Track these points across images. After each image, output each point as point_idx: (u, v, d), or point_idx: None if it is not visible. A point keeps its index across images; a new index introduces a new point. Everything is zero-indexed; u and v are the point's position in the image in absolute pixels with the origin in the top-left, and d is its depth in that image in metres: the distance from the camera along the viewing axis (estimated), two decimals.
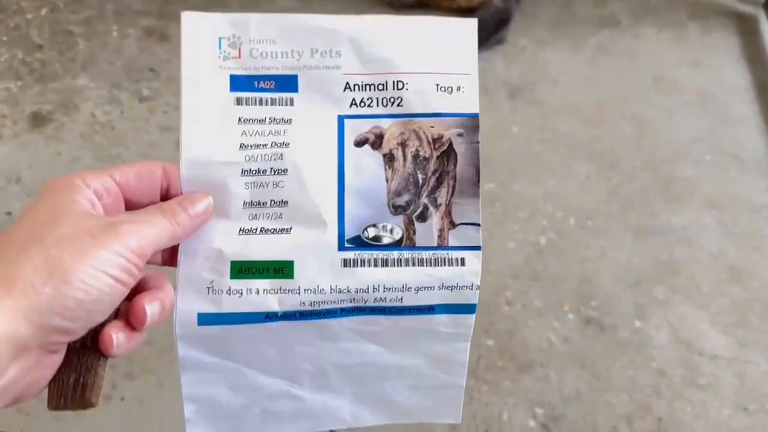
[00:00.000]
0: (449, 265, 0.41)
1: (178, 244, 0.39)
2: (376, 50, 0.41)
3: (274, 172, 0.40)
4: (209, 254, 0.39)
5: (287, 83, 0.41)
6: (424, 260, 0.40)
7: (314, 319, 0.40)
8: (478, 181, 0.41)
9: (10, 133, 1.42)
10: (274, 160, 0.40)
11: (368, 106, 0.41)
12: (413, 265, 0.40)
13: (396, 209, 0.41)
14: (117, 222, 0.34)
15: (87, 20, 1.68)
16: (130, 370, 1.06)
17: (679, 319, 1.22)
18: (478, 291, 0.41)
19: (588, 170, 1.47)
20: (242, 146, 0.40)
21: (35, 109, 1.47)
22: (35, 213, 0.34)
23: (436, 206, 0.41)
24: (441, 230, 0.41)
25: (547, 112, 1.58)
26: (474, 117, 0.41)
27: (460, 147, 0.41)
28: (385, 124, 0.41)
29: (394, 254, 0.40)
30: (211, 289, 0.39)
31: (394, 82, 0.41)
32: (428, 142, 0.41)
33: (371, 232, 0.41)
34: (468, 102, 0.41)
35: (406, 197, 0.41)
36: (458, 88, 0.41)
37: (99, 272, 0.32)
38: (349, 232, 0.40)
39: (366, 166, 0.41)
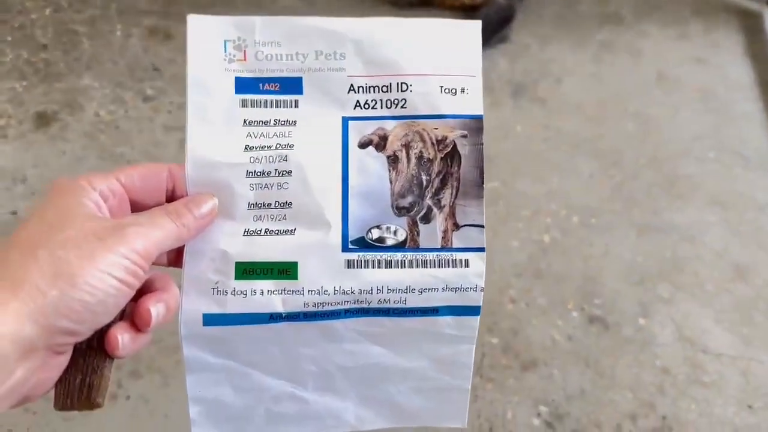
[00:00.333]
0: (453, 267, 0.41)
1: (184, 245, 0.39)
2: (380, 52, 0.41)
3: (279, 174, 0.40)
4: (214, 255, 0.39)
5: (292, 85, 0.41)
6: (428, 262, 0.40)
7: (318, 321, 0.40)
8: (482, 183, 0.41)
9: (15, 133, 1.42)
10: (279, 161, 0.40)
11: (372, 107, 0.41)
12: (417, 266, 0.40)
13: (400, 211, 0.41)
14: (123, 224, 0.35)
15: (91, 20, 1.69)
16: (136, 369, 1.07)
17: (683, 317, 1.22)
18: (482, 293, 0.41)
19: (591, 168, 1.47)
20: (247, 148, 0.40)
21: (40, 109, 1.48)
22: (41, 215, 0.34)
23: (440, 208, 0.41)
24: (445, 232, 0.41)
25: (550, 110, 1.58)
26: (478, 119, 0.41)
27: (464, 149, 0.41)
28: (389, 125, 0.41)
29: (398, 256, 0.40)
30: (216, 290, 0.39)
31: (398, 83, 0.41)
32: (432, 143, 0.41)
33: (375, 234, 0.41)
34: (472, 104, 0.41)
35: (409, 199, 0.41)
36: (462, 90, 0.41)
37: (105, 274, 0.33)
38: (353, 234, 0.40)
39: (370, 167, 0.41)
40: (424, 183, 0.41)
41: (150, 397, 1.04)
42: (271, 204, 0.40)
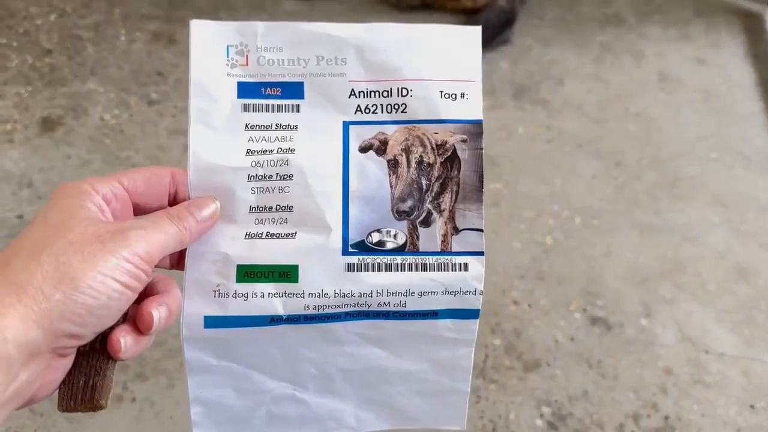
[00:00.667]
0: (452, 271, 0.41)
1: (186, 248, 0.40)
2: (381, 57, 0.42)
3: (280, 178, 0.41)
4: (216, 258, 0.40)
5: (293, 90, 0.42)
6: (428, 265, 0.41)
7: (318, 323, 0.41)
8: (482, 188, 0.41)
9: (21, 138, 1.44)
10: (280, 165, 0.41)
11: (373, 112, 0.42)
12: (417, 270, 0.41)
13: (400, 215, 0.41)
14: (125, 228, 0.35)
15: (95, 25, 1.70)
16: (142, 370, 1.08)
17: (685, 317, 1.22)
18: (481, 296, 0.41)
19: (594, 169, 1.47)
20: (249, 152, 0.41)
21: (45, 114, 1.49)
22: (45, 219, 0.35)
23: (440, 212, 0.42)
24: (444, 236, 0.41)
25: (552, 112, 1.59)
26: (478, 124, 0.42)
27: (463, 153, 0.42)
28: (390, 130, 0.42)
29: (398, 259, 0.41)
30: (217, 293, 0.40)
31: (398, 88, 0.42)
32: (432, 148, 0.42)
33: (375, 237, 0.41)
34: (472, 109, 0.42)
35: (409, 203, 0.41)
36: (462, 95, 0.42)
37: (107, 278, 0.33)
38: (353, 237, 0.41)
39: (370, 171, 0.41)
40: (424, 187, 0.42)
41: (155, 399, 1.05)
42: (272, 207, 0.41)
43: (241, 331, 0.40)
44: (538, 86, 1.64)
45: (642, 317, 1.22)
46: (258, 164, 0.41)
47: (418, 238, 0.41)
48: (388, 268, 0.40)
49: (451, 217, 0.41)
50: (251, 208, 0.40)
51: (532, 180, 1.44)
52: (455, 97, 0.42)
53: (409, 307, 0.41)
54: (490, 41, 1.66)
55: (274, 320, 0.40)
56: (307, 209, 0.41)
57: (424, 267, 0.41)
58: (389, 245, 0.41)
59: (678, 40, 1.79)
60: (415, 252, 0.41)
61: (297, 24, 0.42)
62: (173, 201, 0.41)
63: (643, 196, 1.43)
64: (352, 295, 0.40)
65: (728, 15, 1.86)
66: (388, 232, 0.41)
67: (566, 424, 1.07)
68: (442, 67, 0.42)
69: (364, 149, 0.42)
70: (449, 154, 0.42)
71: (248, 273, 0.40)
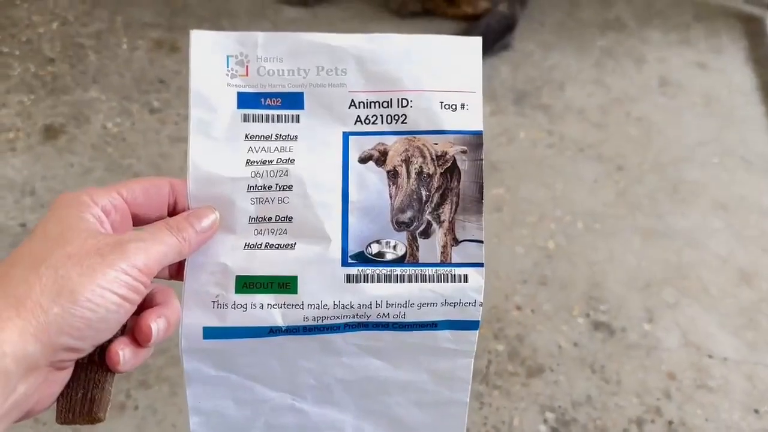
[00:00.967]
0: (452, 282, 0.41)
1: (185, 259, 0.40)
2: (381, 68, 0.42)
3: (280, 188, 0.40)
4: (215, 269, 0.40)
5: (293, 100, 0.42)
6: (427, 276, 0.41)
7: (317, 334, 0.41)
8: (482, 199, 0.41)
9: (23, 146, 1.44)
10: (280, 176, 0.41)
11: (373, 123, 0.42)
12: (416, 281, 0.41)
13: (399, 226, 0.41)
14: (124, 240, 0.35)
15: (97, 33, 1.71)
16: (145, 378, 1.08)
17: (688, 322, 1.22)
18: (480, 307, 0.41)
19: (595, 173, 1.47)
20: (249, 162, 0.41)
21: (48, 122, 1.49)
22: (44, 231, 0.35)
23: (440, 223, 0.41)
24: (444, 247, 0.41)
25: (553, 117, 1.59)
26: (478, 135, 0.42)
27: (463, 164, 0.41)
28: (390, 141, 0.42)
29: (397, 270, 0.41)
30: (216, 303, 0.40)
31: (398, 99, 0.42)
32: (432, 159, 0.41)
33: (374, 248, 0.41)
34: (472, 119, 0.42)
35: (409, 214, 0.41)
36: (462, 106, 0.42)
37: (106, 291, 0.33)
38: (353, 248, 0.41)
39: (370, 182, 0.41)
40: (424, 198, 0.41)
41: (158, 407, 1.05)
42: (271, 218, 0.40)
43: (239, 342, 0.40)
44: (539, 91, 1.64)
45: (645, 322, 1.21)
46: (257, 174, 0.40)
47: (417, 249, 0.41)
48: (388, 279, 0.40)
49: (451, 228, 0.41)
50: (250, 218, 0.40)
51: (534, 185, 1.44)
52: (455, 108, 0.42)
53: (409, 318, 0.41)
54: (491, 47, 1.66)
55: (273, 331, 0.40)
56: (306, 220, 0.40)
57: (423, 278, 0.41)
58: (389, 256, 0.41)
59: (679, 45, 1.80)
60: (415, 263, 0.41)
61: (297, 34, 0.42)
62: (172, 211, 0.41)
63: (644, 201, 1.43)
64: (351, 306, 0.40)
65: (729, 19, 1.86)
66: (387, 243, 0.41)
67: (570, 429, 1.07)
68: (443, 77, 0.42)
69: (363, 160, 0.41)
70: (449, 164, 0.41)
71: (247, 284, 0.40)
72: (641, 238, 1.36)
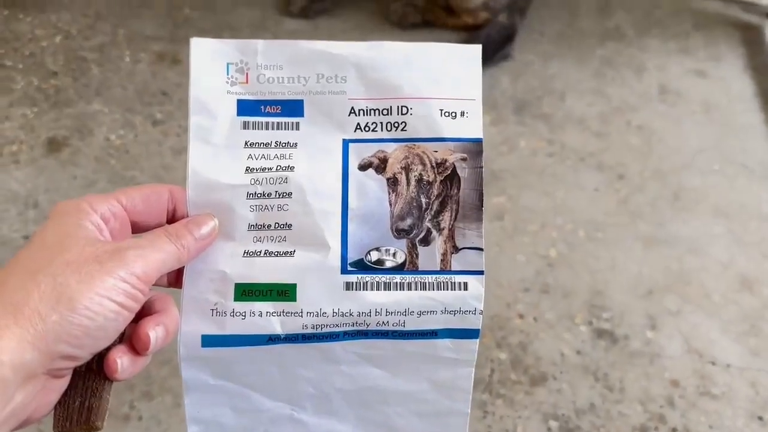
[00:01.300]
0: (452, 290, 0.40)
1: (184, 266, 0.39)
2: (381, 75, 0.42)
3: (279, 195, 0.40)
4: (214, 276, 0.40)
5: (293, 108, 0.42)
6: (427, 284, 0.40)
7: (316, 343, 0.40)
8: (482, 206, 0.41)
9: (27, 159, 1.45)
10: (280, 183, 0.41)
11: (373, 130, 0.42)
12: (416, 289, 0.40)
13: (399, 233, 0.41)
14: (123, 248, 0.35)
15: (100, 46, 1.72)
16: (148, 389, 1.08)
17: (691, 329, 1.22)
18: (481, 316, 0.41)
19: (596, 182, 1.48)
20: (248, 169, 0.41)
21: (51, 135, 1.50)
22: (43, 238, 0.35)
23: (439, 230, 0.41)
24: (444, 254, 0.41)
25: (554, 126, 1.60)
26: (478, 142, 0.42)
27: (463, 171, 0.41)
28: (390, 148, 0.41)
29: (397, 278, 0.40)
30: (215, 311, 0.39)
31: (398, 107, 0.42)
32: (432, 166, 0.41)
33: (374, 256, 0.41)
34: (472, 127, 0.42)
35: (409, 221, 0.41)
36: (462, 114, 0.42)
37: (104, 299, 0.33)
38: (352, 256, 0.40)
39: (370, 189, 0.41)
40: (424, 205, 0.41)
41: (162, 417, 1.05)
42: (271, 225, 0.40)
43: (238, 350, 0.40)
44: (540, 101, 1.65)
45: (647, 329, 1.22)
46: (257, 182, 0.40)
47: (417, 256, 0.41)
48: (387, 287, 0.40)
49: (451, 236, 0.41)
50: (250, 225, 0.40)
51: (535, 193, 1.44)
52: (455, 116, 0.42)
53: (408, 327, 0.40)
54: (491, 57, 1.67)
55: (272, 339, 0.40)
56: (306, 227, 0.40)
57: (423, 286, 0.40)
58: (388, 264, 0.41)
59: (678, 53, 1.80)
60: (415, 271, 0.41)
61: (297, 42, 0.42)
62: (172, 218, 0.41)
63: (646, 208, 1.43)
64: (350, 314, 0.40)
65: (727, 27, 1.87)
66: (387, 250, 0.41)
67: None
68: (443, 85, 0.42)
69: (363, 167, 0.41)
70: (449, 172, 0.41)
71: (246, 291, 0.40)
72: (643, 245, 1.36)
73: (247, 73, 0.41)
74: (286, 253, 0.40)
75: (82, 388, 0.36)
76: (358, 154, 0.42)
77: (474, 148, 0.42)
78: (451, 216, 0.41)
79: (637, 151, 1.55)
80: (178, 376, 1.14)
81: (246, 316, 0.39)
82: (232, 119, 0.41)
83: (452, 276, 0.41)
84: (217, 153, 0.41)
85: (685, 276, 1.31)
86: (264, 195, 0.40)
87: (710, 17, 1.88)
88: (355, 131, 0.42)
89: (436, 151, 0.42)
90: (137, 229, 0.40)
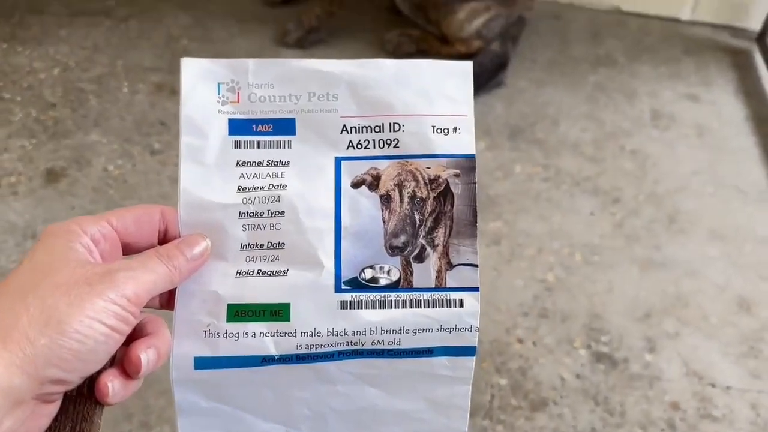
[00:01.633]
0: (447, 307, 0.40)
1: (176, 288, 0.39)
2: (373, 93, 0.41)
3: (272, 214, 0.40)
4: (206, 297, 0.39)
5: (285, 126, 0.41)
6: (422, 302, 0.40)
7: (311, 363, 0.40)
8: (476, 222, 0.41)
9: (25, 190, 1.45)
10: (272, 202, 0.40)
11: (365, 147, 0.41)
12: (411, 306, 0.40)
13: (393, 250, 0.41)
14: (113, 269, 0.34)
15: (98, 78, 1.74)
16: (146, 419, 1.07)
17: (690, 352, 1.22)
18: (477, 333, 0.40)
19: (592, 206, 1.49)
20: (240, 189, 0.40)
21: (49, 166, 1.51)
22: (32, 261, 0.34)
23: (434, 247, 0.41)
24: (438, 271, 0.41)
25: (548, 151, 1.61)
26: (470, 158, 0.41)
27: (456, 187, 0.41)
28: (382, 165, 0.41)
29: (392, 296, 0.40)
30: (207, 333, 0.39)
31: (390, 124, 0.41)
32: (425, 183, 0.41)
33: (368, 274, 0.40)
34: (464, 143, 0.41)
35: (403, 238, 0.41)
36: (454, 130, 0.42)
37: (94, 321, 0.32)
38: (346, 274, 0.40)
39: (363, 207, 0.41)
40: (417, 222, 0.41)
41: None
42: (263, 245, 0.40)
43: (232, 372, 0.39)
44: (533, 127, 1.67)
45: (646, 352, 1.21)
46: (249, 201, 0.40)
47: (411, 273, 0.41)
48: (382, 305, 0.40)
49: (445, 253, 0.41)
50: (242, 245, 0.40)
51: (532, 218, 1.45)
52: (447, 132, 0.42)
53: (404, 345, 0.40)
54: (484, 85, 1.69)
55: (266, 360, 0.39)
56: (298, 246, 0.40)
57: (418, 303, 0.40)
58: (383, 281, 0.40)
59: (669, 78, 1.83)
60: (409, 288, 0.40)
61: (288, 60, 0.42)
62: (163, 239, 0.40)
63: (641, 232, 1.44)
64: (345, 334, 0.39)
65: (717, 53, 1.90)
66: (381, 268, 0.41)
67: None
68: (434, 101, 0.42)
69: (356, 185, 0.41)
70: (442, 188, 0.41)
71: (239, 312, 0.39)
72: (639, 268, 1.36)
73: (238, 93, 0.41)
74: (279, 273, 0.40)
75: (73, 412, 0.35)
76: (350, 171, 0.41)
77: (467, 164, 0.41)
78: (445, 232, 0.41)
79: (631, 175, 1.57)
80: None
81: (239, 337, 0.39)
82: (224, 139, 0.41)
83: (447, 293, 0.40)
84: (208, 173, 0.40)
85: (683, 298, 1.31)
86: (256, 214, 0.40)
87: (700, 42, 1.91)
88: (347, 149, 0.41)
89: (429, 168, 0.41)
90: (128, 250, 0.39)
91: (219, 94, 0.41)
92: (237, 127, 0.41)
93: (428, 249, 0.41)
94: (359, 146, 0.42)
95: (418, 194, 0.41)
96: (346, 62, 0.42)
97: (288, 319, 0.39)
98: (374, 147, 0.42)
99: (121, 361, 0.36)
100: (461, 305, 0.40)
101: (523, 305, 1.28)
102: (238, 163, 0.41)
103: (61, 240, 0.35)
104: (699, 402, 1.14)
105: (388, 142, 0.42)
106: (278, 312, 0.39)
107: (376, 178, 0.41)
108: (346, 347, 0.40)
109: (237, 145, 0.41)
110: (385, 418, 0.42)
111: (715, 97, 1.77)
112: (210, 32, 1.87)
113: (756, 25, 1.88)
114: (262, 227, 0.40)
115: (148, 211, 0.40)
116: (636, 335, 1.24)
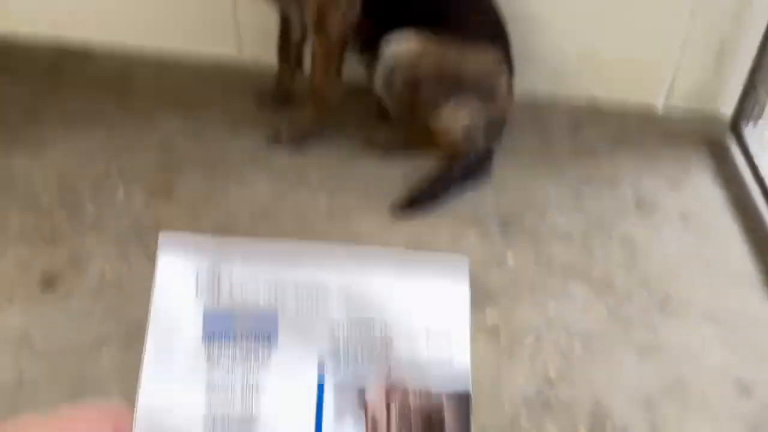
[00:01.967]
0: None
1: None
2: (364, 302, 0.38)
3: (243, 424, 0.36)
4: None
5: (266, 323, 0.37)
6: None
7: None
8: None
9: (21, 296, 1.45)
10: (244, 409, 0.36)
11: (353, 361, 0.38)
12: None
13: None
14: None
15: (94, 182, 1.75)
16: None
17: None
18: None
19: (585, 292, 1.51)
20: (209, 388, 0.36)
21: (45, 271, 1.51)
22: None
23: None
24: None
25: (538, 240, 1.65)
26: (465, 392, 0.38)
27: (450, 420, 0.37)
28: (371, 390, 0.37)
29: None
30: None
31: (381, 338, 0.38)
32: (416, 410, 0.37)
33: None
34: (460, 375, 0.38)
35: None
36: (449, 362, 0.38)
37: None
38: None
39: (347, 427, 0.37)
40: None
41: None
42: None
43: None
44: (522, 217, 1.71)
45: None
46: (217, 406, 0.36)
47: None
48: None
49: None
50: None
51: (527, 306, 1.47)
52: (442, 362, 0.38)
53: None
54: (471, 180, 1.75)
55: None
56: None
57: None
58: None
59: (649, 167, 1.89)
60: None
61: (276, 251, 0.39)
62: None
63: (635, 317, 1.46)
64: None
65: (694, 142, 1.96)
66: None
67: None
68: (429, 315, 0.38)
69: (341, 412, 0.37)
70: (432, 419, 0.37)
71: None
72: (636, 354, 1.38)
73: (218, 282, 0.37)
74: None
75: None
76: (334, 396, 0.37)
77: (461, 396, 0.38)
78: None
79: (620, 261, 1.60)
80: None
81: None
82: (197, 333, 0.37)
83: None
84: (174, 372, 0.36)
85: (682, 382, 1.32)
86: (225, 421, 0.35)
87: (676, 135, 1.98)
88: (333, 357, 0.37)
89: (421, 393, 0.37)
90: None
91: (197, 281, 0.37)
92: (212, 321, 0.37)
93: None
94: (346, 360, 0.37)
95: (406, 418, 0.37)
96: (338, 259, 0.39)
97: None
98: (362, 362, 0.37)
99: None
100: None
101: (526, 398, 1.28)
102: (208, 360, 0.36)
103: None
104: None
105: (379, 357, 0.38)
106: None
107: (363, 400, 0.37)
108: None
109: (210, 340, 0.37)
110: None
111: (695, 184, 1.83)
112: (202, 133, 1.90)
113: (728, 110, 1.98)
114: None
115: (97, 418, 0.36)
116: (639, 421, 1.24)
